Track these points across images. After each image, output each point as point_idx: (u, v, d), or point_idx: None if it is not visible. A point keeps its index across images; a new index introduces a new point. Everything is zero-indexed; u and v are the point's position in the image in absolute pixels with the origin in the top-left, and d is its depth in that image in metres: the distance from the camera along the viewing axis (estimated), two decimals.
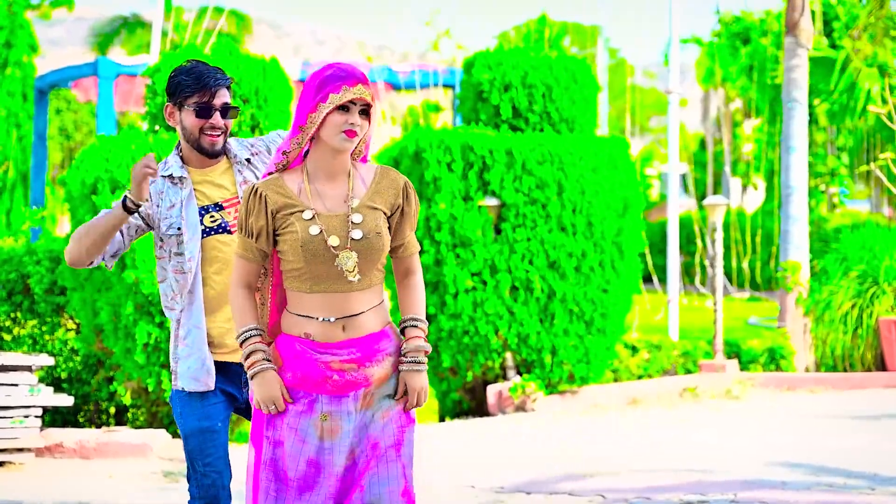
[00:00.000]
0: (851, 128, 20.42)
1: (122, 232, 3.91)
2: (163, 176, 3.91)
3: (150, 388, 7.75)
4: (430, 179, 9.48)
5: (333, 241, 3.42)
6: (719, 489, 6.63)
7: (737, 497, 6.40)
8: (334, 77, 3.43)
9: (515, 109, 10.05)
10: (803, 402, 10.64)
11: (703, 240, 21.10)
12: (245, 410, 3.94)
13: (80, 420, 8.43)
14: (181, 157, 3.92)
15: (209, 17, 14.51)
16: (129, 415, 8.41)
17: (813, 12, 16.85)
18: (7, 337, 8.49)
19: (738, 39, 22.78)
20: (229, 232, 3.85)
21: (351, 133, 3.45)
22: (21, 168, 15.87)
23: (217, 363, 3.86)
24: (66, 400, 7.63)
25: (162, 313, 7.64)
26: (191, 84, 3.85)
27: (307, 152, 3.51)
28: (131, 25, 29.19)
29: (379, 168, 3.58)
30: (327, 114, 3.43)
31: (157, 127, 8.25)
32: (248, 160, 3.95)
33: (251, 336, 3.45)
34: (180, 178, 3.89)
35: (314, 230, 3.41)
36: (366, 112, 3.49)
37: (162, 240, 3.89)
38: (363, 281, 3.46)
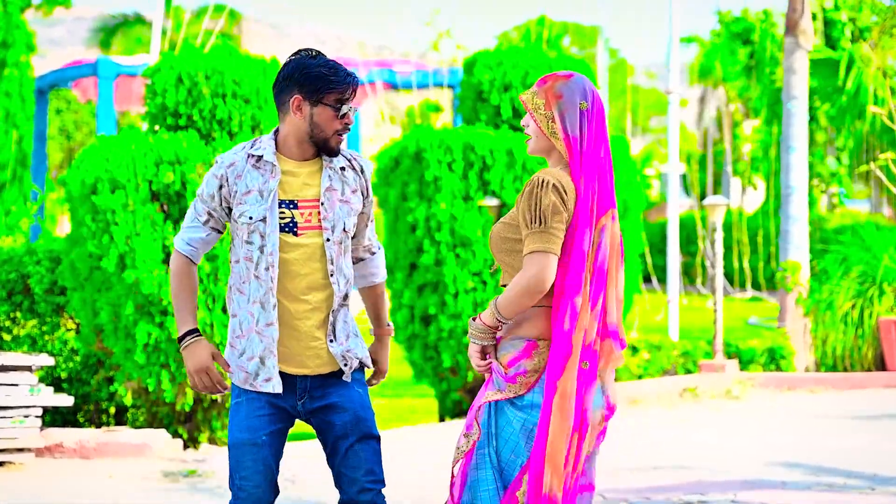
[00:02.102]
0: (852, 128, 20.43)
1: (203, 238, 3.71)
2: (250, 154, 3.67)
3: (150, 389, 7.75)
4: (431, 179, 9.48)
5: None
6: (719, 489, 6.63)
7: (737, 497, 6.41)
8: None
9: (515, 110, 10.05)
10: (803, 402, 10.64)
11: (703, 240, 21.10)
12: (317, 419, 3.75)
13: (80, 420, 8.43)
14: (276, 144, 3.70)
15: (209, 17, 14.49)
16: (129, 415, 8.41)
17: (813, 13, 16.86)
18: (7, 337, 8.49)
19: (738, 39, 22.79)
20: (296, 234, 3.64)
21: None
22: (20, 168, 15.86)
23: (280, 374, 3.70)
24: (66, 400, 7.63)
25: (162, 313, 7.64)
26: (333, 78, 3.61)
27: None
28: (131, 23, 29.19)
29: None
30: None
31: (156, 127, 8.25)
32: (342, 169, 3.72)
33: None
34: (270, 166, 3.65)
35: None
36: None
37: (236, 222, 3.67)
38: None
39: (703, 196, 27.95)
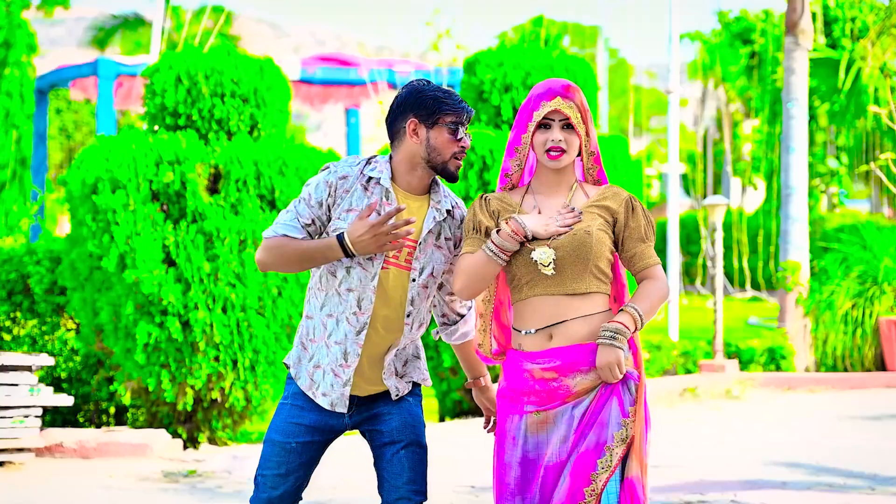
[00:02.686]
0: (852, 128, 20.44)
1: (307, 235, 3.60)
2: (363, 173, 3.60)
3: (150, 388, 7.75)
4: None
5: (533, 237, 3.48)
6: (719, 489, 6.63)
7: (737, 497, 6.41)
8: (536, 93, 3.52)
9: (516, 110, 10.05)
10: (803, 401, 10.64)
11: (704, 240, 21.12)
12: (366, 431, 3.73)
13: (80, 420, 8.43)
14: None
15: (206, 17, 14.49)
16: (129, 415, 8.41)
17: (813, 13, 16.85)
18: (7, 337, 8.49)
19: (738, 39, 22.79)
20: (384, 268, 3.59)
21: (554, 151, 3.49)
22: (20, 168, 15.86)
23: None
24: (66, 400, 7.63)
25: (162, 313, 7.64)
26: (449, 101, 3.59)
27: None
28: (131, 24, 29.16)
29: (608, 186, 3.54)
30: (533, 133, 3.51)
31: (156, 127, 8.25)
32: (448, 212, 3.68)
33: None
34: (383, 191, 3.58)
35: None
36: (571, 126, 3.49)
37: (327, 234, 3.60)
38: (567, 284, 3.44)
39: (704, 196, 27.95)
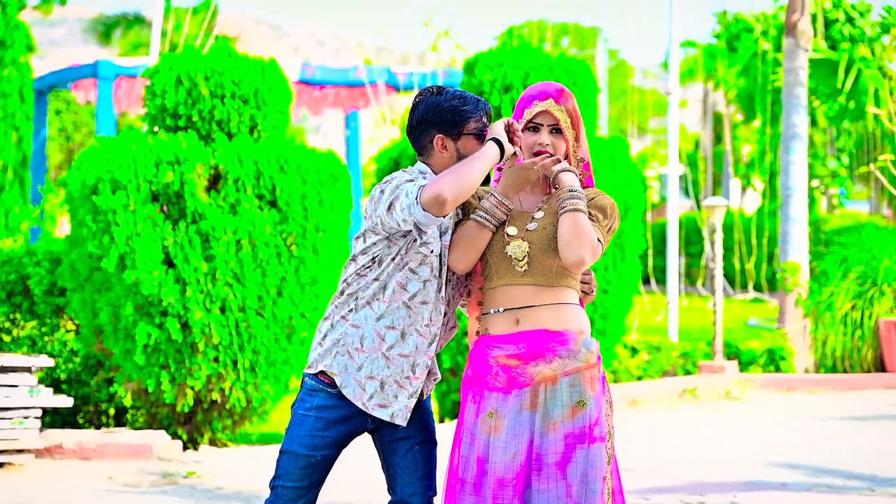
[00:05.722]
0: (851, 129, 20.44)
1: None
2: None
3: (149, 390, 7.75)
4: None
5: (511, 230, 3.52)
6: (719, 490, 6.63)
7: (736, 498, 6.41)
8: (530, 93, 3.57)
9: None
10: (803, 403, 10.65)
11: (703, 241, 21.11)
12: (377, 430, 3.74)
13: (80, 421, 8.43)
14: None
15: (190, 18, 14.48)
16: (129, 416, 8.41)
17: (813, 15, 16.85)
18: (7, 338, 8.49)
19: (737, 41, 22.80)
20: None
21: (541, 154, 3.54)
22: (19, 169, 15.85)
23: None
24: (65, 401, 7.63)
25: (162, 314, 7.63)
26: (467, 108, 3.62)
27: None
28: (130, 22, 29.17)
29: (591, 189, 3.58)
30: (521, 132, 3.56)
31: (156, 128, 8.25)
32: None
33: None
34: None
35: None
36: (559, 130, 3.54)
37: (393, 240, 3.60)
38: (539, 276, 3.48)
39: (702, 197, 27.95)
